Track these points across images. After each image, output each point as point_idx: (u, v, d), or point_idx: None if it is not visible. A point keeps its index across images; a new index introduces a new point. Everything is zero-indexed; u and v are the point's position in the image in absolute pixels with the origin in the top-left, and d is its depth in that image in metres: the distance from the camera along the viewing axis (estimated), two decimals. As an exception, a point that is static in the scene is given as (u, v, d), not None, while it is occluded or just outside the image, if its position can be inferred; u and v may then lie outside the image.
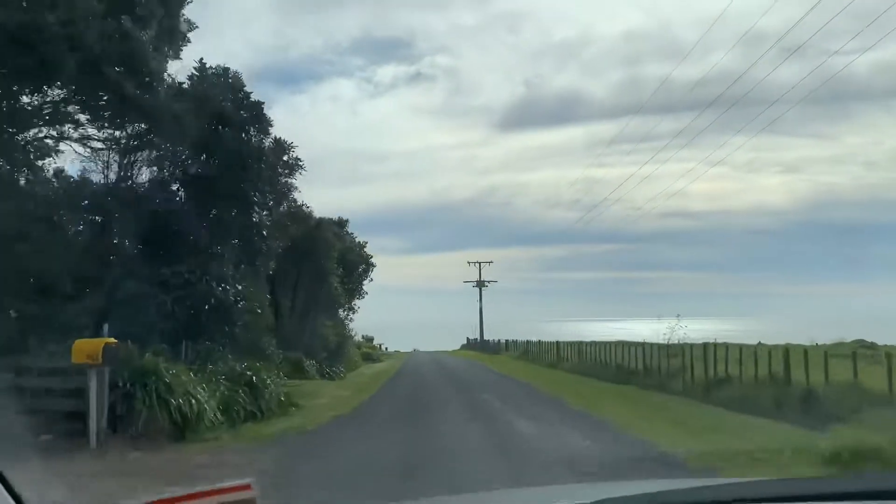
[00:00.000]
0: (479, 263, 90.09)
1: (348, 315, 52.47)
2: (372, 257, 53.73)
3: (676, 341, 30.22)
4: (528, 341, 70.49)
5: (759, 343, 30.92)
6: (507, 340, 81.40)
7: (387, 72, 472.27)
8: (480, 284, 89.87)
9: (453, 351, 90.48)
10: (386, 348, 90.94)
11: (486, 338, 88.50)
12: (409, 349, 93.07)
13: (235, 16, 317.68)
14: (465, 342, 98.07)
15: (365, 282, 53.24)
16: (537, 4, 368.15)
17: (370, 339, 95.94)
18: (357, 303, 53.46)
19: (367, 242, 53.34)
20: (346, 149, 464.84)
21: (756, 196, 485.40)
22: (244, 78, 23.58)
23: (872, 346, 29.79)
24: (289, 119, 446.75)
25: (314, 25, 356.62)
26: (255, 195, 23.71)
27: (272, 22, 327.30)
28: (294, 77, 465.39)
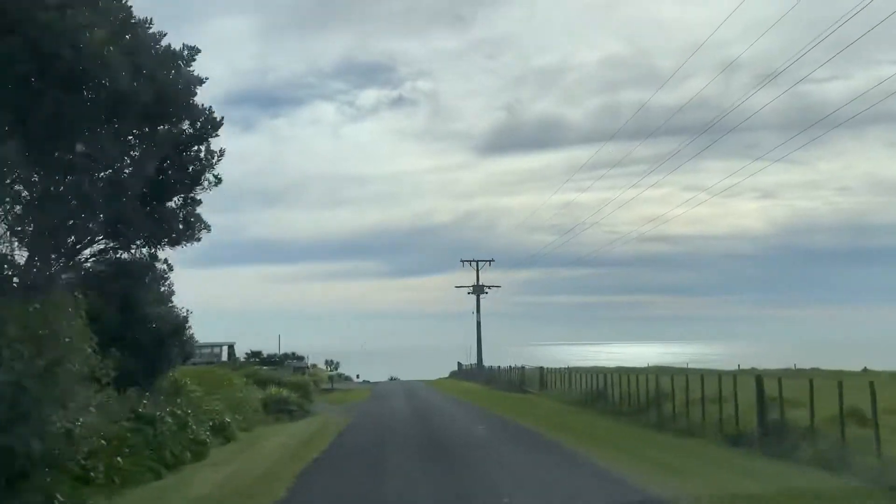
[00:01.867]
0: (476, 263, 69.30)
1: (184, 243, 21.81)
2: (221, 123, 21.68)
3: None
4: (542, 368, 51.66)
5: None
6: (510, 366, 60.53)
7: (368, 96, 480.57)
8: (478, 291, 69.10)
9: (437, 380, 75.96)
10: (358, 376, 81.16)
11: (483, 362, 69.38)
12: (385, 378, 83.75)
13: (217, 40, 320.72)
14: (457, 368, 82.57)
15: (208, 172, 21.64)
16: (517, 32, 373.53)
17: (334, 365, 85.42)
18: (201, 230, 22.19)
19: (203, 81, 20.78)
20: (328, 172, 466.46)
21: (734, 221, 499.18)
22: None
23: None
24: (269, 142, 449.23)
25: (296, 50, 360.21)
26: None
27: (254, 46, 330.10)
28: (275, 101, 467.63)
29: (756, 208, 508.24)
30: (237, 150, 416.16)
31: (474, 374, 66.79)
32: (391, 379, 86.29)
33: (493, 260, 70.03)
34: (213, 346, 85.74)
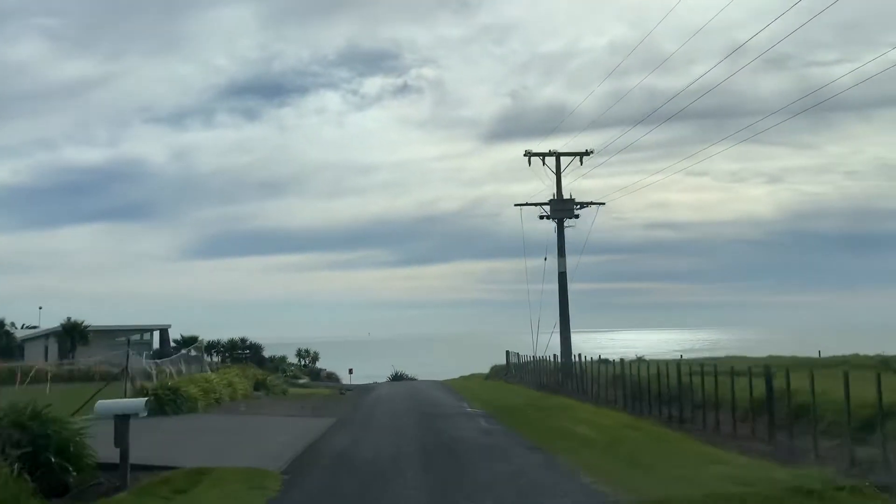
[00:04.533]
0: (557, 159, 39.76)
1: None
2: None
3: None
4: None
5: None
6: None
7: (373, 83, 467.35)
8: (561, 210, 38.78)
9: (468, 382, 51.20)
10: (350, 372, 60.07)
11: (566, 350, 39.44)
12: (389, 374, 63.85)
13: (221, 29, 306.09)
14: (505, 364, 52.47)
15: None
16: (523, 17, 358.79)
17: (310, 357, 64.98)
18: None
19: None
20: (333, 161, 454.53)
21: (741, 206, 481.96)
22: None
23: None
24: (274, 132, 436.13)
25: (300, 38, 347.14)
26: None
27: (258, 35, 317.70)
28: (280, 90, 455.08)
29: (763, 193, 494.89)
30: (241, 141, 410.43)
31: (537, 372, 40.48)
32: (395, 377, 62.56)
33: (590, 151, 39.73)
34: (140, 329, 65.18)
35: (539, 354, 39.98)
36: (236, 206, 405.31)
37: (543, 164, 39.49)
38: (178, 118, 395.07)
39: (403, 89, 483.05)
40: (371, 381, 60.08)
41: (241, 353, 62.06)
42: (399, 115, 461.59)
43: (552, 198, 39.14)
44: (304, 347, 69.42)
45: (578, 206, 38.94)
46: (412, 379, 62.34)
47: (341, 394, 38.71)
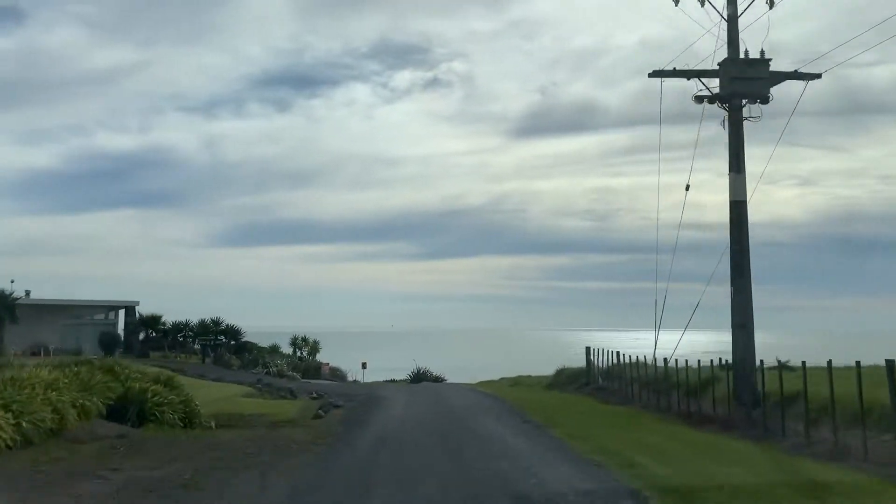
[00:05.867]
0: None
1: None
2: None
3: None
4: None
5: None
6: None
7: (403, 77, 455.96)
8: (739, 75, 20.01)
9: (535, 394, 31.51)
10: (364, 366, 46.11)
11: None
12: (411, 370, 45.48)
13: (253, 20, 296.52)
14: (584, 369, 33.69)
15: None
16: (554, 13, 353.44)
17: (310, 346, 45.75)
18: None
19: None
20: (361, 153, 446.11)
21: (772, 208, 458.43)
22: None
23: None
24: (304, 123, 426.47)
25: (332, 30, 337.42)
26: None
27: (290, 26, 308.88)
28: (311, 81, 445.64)
29: (794, 195, 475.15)
30: (271, 131, 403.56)
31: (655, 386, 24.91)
32: (416, 376, 44.86)
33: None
34: (98, 306, 51.66)
35: (660, 357, 22.14)
36: (263, 196, 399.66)
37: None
38: (209, 107, 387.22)
39: (433, 83, 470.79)
40: (388, 378, 46.49)
41: (211, 339, 45.19)
42: (427, 109, 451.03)
43: (722, 61, 20.42)
44: (300, 335, 52.04)
45: (770, 80, 20.19)
46: (438, 379, 45.26)
47: (318, 417, 20.83)
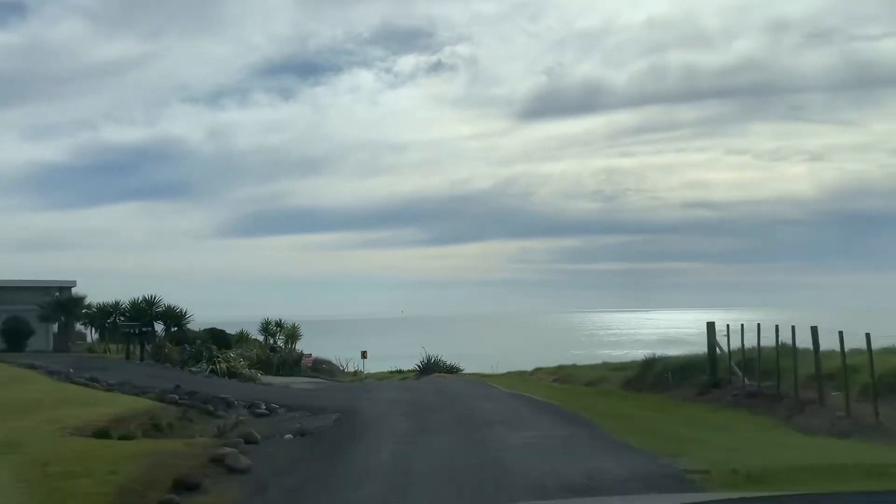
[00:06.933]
0: None
1: None
2: None
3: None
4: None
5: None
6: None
7: (407, 61, 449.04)
8: None
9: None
10: (364, 355, 39.25)
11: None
12: (418, 360, 40.03)
13: (256, 8, 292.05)
14: (709, 361, 23.49)
15: None
16: None
17: (289, 333, 33.43)
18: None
19: None
20: (367, 140, 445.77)
21: (780, 185, 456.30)
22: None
23: None
24: (309, 111, 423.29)
25: (335, 16, 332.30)
26: None
27: (293, 13, 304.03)
28: (315, 68, 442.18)
29: (804, 172, 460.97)
30: (276, 120, 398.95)
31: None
32: (426, 366, 39.68)
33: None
34: (37, 287, 39.83)
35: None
36: (270, 185, 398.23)
37: None
38: (214, 97, 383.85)
39: (437, 67, 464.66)
40: (394, 368, 41.81)
41: (137, 326, 35.38)
42: (433, 94, 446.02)
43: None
44: (273, 320, 42.92)
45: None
46: (453, 370, 39.14)
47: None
